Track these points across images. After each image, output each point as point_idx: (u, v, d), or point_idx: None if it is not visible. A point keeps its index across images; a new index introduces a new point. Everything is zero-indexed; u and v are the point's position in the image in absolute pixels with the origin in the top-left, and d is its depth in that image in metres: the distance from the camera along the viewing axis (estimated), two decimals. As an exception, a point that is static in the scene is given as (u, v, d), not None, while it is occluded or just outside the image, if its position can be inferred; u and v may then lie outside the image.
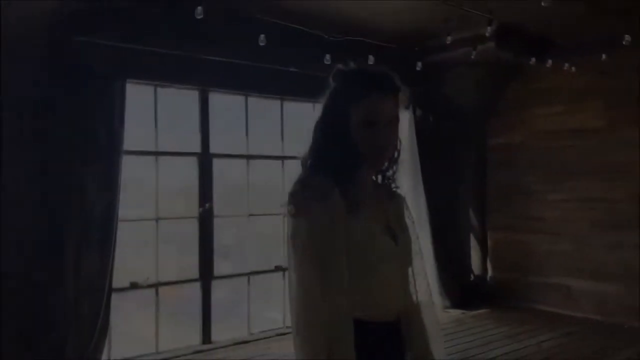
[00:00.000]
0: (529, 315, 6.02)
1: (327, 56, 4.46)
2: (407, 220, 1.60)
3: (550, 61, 5.45)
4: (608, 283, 5.79)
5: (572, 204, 6.13)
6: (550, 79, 6.02)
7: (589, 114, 5.94)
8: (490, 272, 6.85)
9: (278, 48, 4.32)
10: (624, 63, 5.38)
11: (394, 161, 1.53)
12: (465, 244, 6.80)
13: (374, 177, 1.56)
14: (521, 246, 6.55)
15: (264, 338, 5.34)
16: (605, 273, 5.81)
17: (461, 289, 6.47)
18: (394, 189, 1.58)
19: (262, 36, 3.98)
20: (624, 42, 4.44)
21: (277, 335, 5.43)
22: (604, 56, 5.30)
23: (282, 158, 5.72)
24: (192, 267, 5.19)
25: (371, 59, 4.45)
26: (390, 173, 1.55)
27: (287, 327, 5.55)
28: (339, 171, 1.41)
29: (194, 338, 5.14)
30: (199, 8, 3.50)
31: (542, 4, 3.31)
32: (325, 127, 1.47)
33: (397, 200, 1.60)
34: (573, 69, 5.66)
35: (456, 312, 6.18)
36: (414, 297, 1.59)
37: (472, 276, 6.80)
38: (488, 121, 6.77)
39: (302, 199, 1.38)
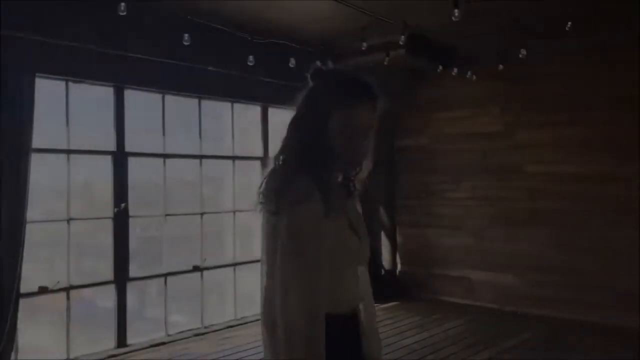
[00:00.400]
0: (436, 306, 6.44)
1: (251, 57, 4.52)
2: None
3: (455, 69, 5.87)
4: (504, 274, 6.34)
5: (472, 202, 6.63)
6: (454, 85, 6.48)
7: (488, 119, 6.47)
8: (399, 267, 7.23)
9: (202, 47, 4.31)
10: (519, 73, 5.92)
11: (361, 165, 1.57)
12: (376, 241, 7.12)
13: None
14: (427, 241, 6.98)
15: (183, 339, 5.29)
16: (501, 265, 6.36)
17: (374, 284, 6.75)
18: (352, 189, 1.61)
19: (186, 35, 3.95)
20: (520, 56, 4.91)
21: (195, 335, 5.41)
22: (501, 66, 5.80)
23: (200, 157, 5.69)
24: (106, 269, 5.02)
25: (292, 62, 4.57)
26: (354, 175, 1.58)
27: (205, 328, 5.56)
28: (319, 173, 1.43)
29: (108, 342, 4.98)
30: (122, 4, 3.42)
31: (453, 18, 3.60)
32: (307, 127, 1.48)
33: (354, 200, 1.64)
34: (474, 77, 6.13)
35: (369, 306, 6.46)
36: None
37: (382, 271, 7.14)
38: (397, 124, 7.13)
39: (285, 197, 1.38)
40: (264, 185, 1.48)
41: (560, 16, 4.52)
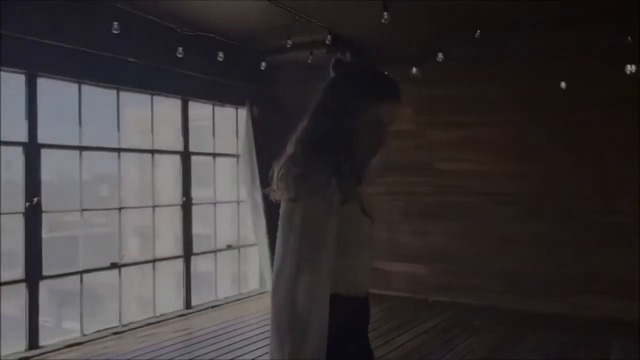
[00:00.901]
0: (352, 297, 6.70)
1: (180, 49, 4.46)
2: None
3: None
4: (415, 264, 6.74)
5: (385, 197, 6.95)
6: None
7: (402, 119, 6.80)
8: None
9: (130, 37, 4.19)
10: (432, 76, 6.31)
11: None
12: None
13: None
14: (344, 235, 7.21)
15: (101, 338, 5.11)
16: (413, 256, 6.76)
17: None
18: (363, 176, 1.65)
19: (115, 24, 3.84)
20: (438, 59, 5.26)
21: (114, 334, 5.25)
22: (414, 69, 6.15)
23: (119, 150, 5.51)
24: (17, 267, 4.74)
25: (221, 55, 4.58)
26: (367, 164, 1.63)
27: (124, 326, 5.41)
28: (338, 163, 1.46)
29: (19, 344, 4.70)
30: None
31: (382, 20, 3.80)
32: (332, 117, 1.50)
33: (363, 185, 1.66)
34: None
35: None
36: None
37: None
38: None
39: (304, 186, 1.43)
40: (282, 171, 1.50)
41: (473, 23, 4.91)
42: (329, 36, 4.87)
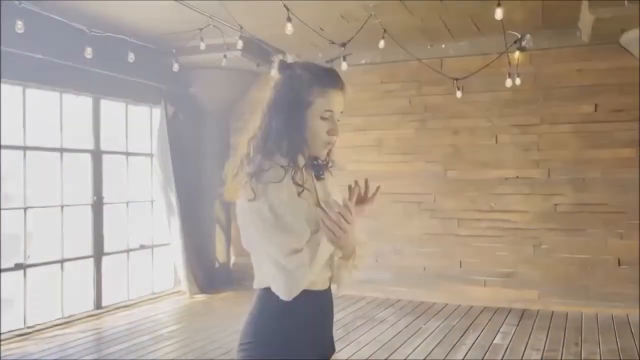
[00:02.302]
0: (266, 293, 6.90)
1: (89, 49, 4.47)
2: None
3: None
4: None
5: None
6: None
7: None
8: (233, 259, 7.55)
9: (38, 36, 4.15)
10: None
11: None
12: (211, 234, 7.36)
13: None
14: (259, 234, 7.41)
15: (4, 340, 4.99)
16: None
17: (208, 276, 7.01)
18: (321, 169, 1.69)
19: (19, 22, 3.80)
20: (343, 68, 5.57)
21: (18, 335, 5.14)
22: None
23: (24, 149, 5.38)
24: None
25: (132, 57, 4.62)
26: (324, 156, 1.68)
27: (29, 328, 5.31)
28: (292, 158, 1.55)
29: None
30: None
31: (286, 32, 4.01)
32: (280, 114, 1.58)
33: (324, 181, 1.71)
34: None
35: (203, 297, 6.71)
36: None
37: (217, 263, 7.40)
38: (230, 122, 7.42)
39: (258, 184, 1.49)
40: (236, 171, 1.57)
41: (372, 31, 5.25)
42: (240, 41, 5.03)
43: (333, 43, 4.58)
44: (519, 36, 5.86)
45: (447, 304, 6.33)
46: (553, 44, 6.06)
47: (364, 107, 6.80)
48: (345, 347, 4.80)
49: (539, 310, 6.00)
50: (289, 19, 3.91)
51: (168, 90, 6.49)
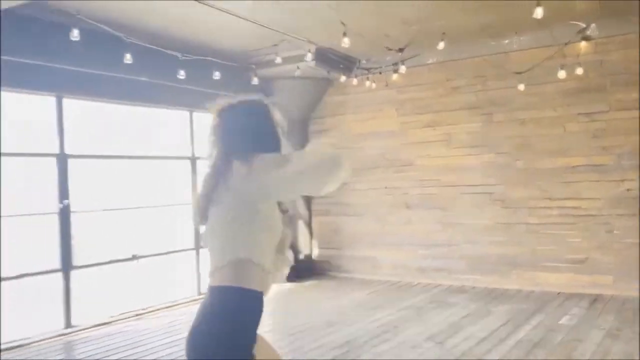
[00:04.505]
0: (347, 282, 7.49)
1: (182, 71, 5.29)
2: None
3: (355, 79, 6.93)
4: (401, 251, 7.49)
5: (374, 192, 7.73)
6: (356, 91, 7.55)
7: (386, 120, 7.59)
8: (316, 251, 8.20)
9: (141, 63, 5.02)
10: (406, 82, 7.08)
11: None
12: (295, 228, 8.05)
13: None
14: (338, 227, 8.01)
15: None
16: (399, 243, 7.51)
17: (293, 266, 7.66)
18: None
19: (128, 55, 4.66)
20: (400, 71, 6.04)
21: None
22: (394, 76, 6.89)
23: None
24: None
25: (217, 74, 5.38)
26: None
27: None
28: None
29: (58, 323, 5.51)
30: (75, 30, 4.08)
31: (343, 45, 4.55)
32: (259, 133, 1.90)
33: None
34: (373, 84, 7.20)
35: (290, 285, 7.40)
36: None
37: (301, 255, 8.07)
38: (309, 126, 8.11)
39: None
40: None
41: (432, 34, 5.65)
42: (310, 53, 5.63)
43: (390, 50, 5.03)
44: (584, 26, 6.00)
45: (520, 290, 6.55)
46: (615, 31, 6.10)
47: (432, 104, 7.18)
48: (412, 326, 5.24)
49: (612, 296, 6.07)
50: (344, 34, 4.44)
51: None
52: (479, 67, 6.80)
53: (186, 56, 5.48)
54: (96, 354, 4.81)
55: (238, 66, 6.40)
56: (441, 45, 5.49)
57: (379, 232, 7.69)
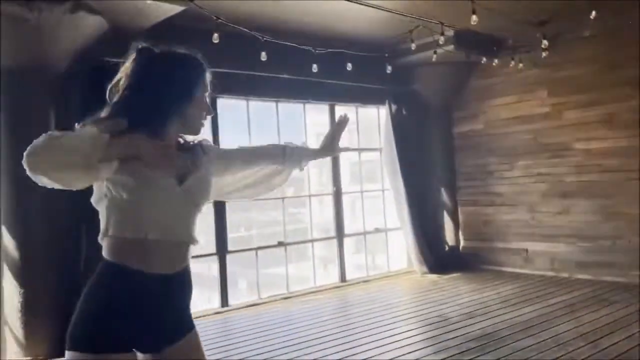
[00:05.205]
0: (496, 275, 7.12)
1: (315, 65, 5.51)
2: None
3: (496, 60, 6.55)
4: (557, 243, 6.90)
5: (525, 179, 7.23)
6: (502, 73, 7.12)
7: (536, 102, 7.05)
8: (462, 243, 7.93)
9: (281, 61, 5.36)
10: (559, 59, 6.49)
11: None
12: (440, 219, 7.87)
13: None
14: (486, 218, 7.65)
15: (272, 301, 6.36)
16: (554, 235, 6.93)
17: (437, 258, 7.53)
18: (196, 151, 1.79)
19: (263, 53, 4.99)
20: (543, 46, 5.53)
21: (283, 299, 6.47)
22: (543, 54, 6.37)
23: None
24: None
25: (349, 66, 5.49)
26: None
27: (290, 293, 6.59)
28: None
29: (214, 302, 6.13)
30: (215, 35, 4.47)
31: (472, 22, 4.33)
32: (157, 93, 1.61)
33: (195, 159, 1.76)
34: (521, 65, 6.72)
35: (433, 276, 7.27)
36: None
37: (446, 246, 7.87)
38: (453, 112, 7.85)
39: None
40: None
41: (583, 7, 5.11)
42: (441, 37, 5.45)
43: (535, 25, 4.64)
44: None
45: (702, 290, 5.64)
46: None
47: (588, 82, 6.50)
48: (563, 322, 4.83)
49: None
50: (473, 12, 4.23)
51: (390, 91, 7.24)
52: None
53: (320, 50, 5.67)
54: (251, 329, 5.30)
55: (373, 56, 6.43)
56: (593, 13, 4.95)
57: (531, 223, 7.17)
